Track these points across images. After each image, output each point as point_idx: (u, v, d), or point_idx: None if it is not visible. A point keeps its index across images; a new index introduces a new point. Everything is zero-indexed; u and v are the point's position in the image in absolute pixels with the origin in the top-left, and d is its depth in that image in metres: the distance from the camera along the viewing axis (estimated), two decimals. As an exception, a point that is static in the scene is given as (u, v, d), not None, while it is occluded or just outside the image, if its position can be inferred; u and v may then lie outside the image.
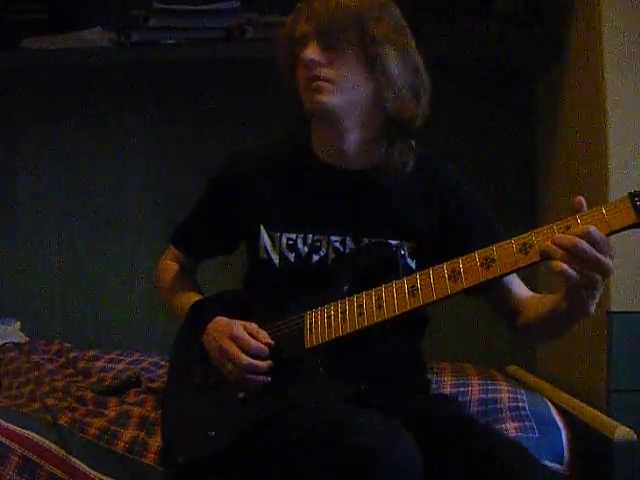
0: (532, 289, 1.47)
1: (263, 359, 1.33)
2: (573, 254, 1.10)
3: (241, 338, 1.34)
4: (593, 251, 1.10)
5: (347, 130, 1.40)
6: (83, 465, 1.47)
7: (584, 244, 1.10)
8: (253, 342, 1.33)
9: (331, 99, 1.36)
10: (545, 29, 2.12)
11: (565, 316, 1.25)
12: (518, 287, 1.44)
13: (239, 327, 1.36)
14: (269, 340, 1.35)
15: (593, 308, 1.19)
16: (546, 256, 1.14)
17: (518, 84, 2.37)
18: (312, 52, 1.35)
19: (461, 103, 2.29)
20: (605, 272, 1.13)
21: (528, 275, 1.44)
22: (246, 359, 1.32)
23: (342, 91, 1.36)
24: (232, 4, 2.18)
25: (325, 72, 1.35)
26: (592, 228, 1.10)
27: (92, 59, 2.23)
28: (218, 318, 1.41)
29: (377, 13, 1.36)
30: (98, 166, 2.52)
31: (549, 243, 1.13)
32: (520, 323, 1.41)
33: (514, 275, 1.39)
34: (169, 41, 2.17)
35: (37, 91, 2.49)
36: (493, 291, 1.41)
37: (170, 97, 2.48)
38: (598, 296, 1.17)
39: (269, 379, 1.33)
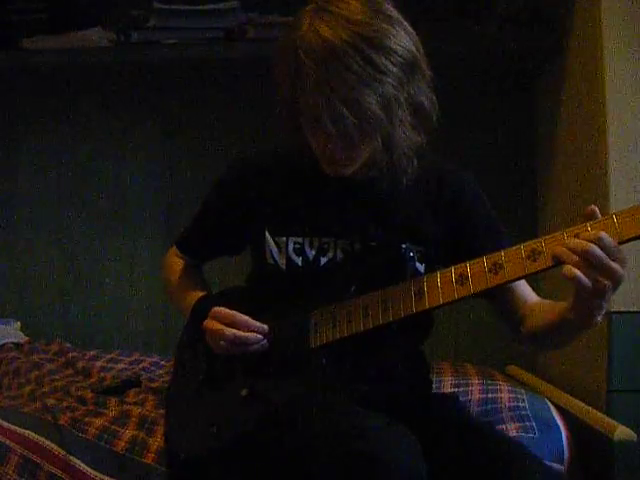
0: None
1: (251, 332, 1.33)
2: (585, 259, 1.07)
3: (220, 313, 1.35)
4: (605, 257, 1.07)
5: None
6: (83, 465, 1.47)
7: (596, 249, 1.07)
8: (231, 314, 1.34)
9: (350, 170, 1.33)
10: (545, 29, 2.12)
11: (571, 325, 1.21)
12: (525, 291, 1.41)
13: (219, 308, 1.37)
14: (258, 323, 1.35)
15: (600, 319, 1.15)
16: (558, 261, 1.11)
17: (518, 84, 2.37)
18: (336, 149, 1.27)
19: (461, 103, 2.29)
20: (616, 279, 1.09)
21: (531, 285, 1.42)
22: (230, 331, 1.33)
23: (359, 162, 1.33)
24: (232, 4, 2.18)
25: (347, 155, 1.30)
26: (602, 234, 1.07)
27: (92, 59, 2.23)
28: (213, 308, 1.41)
29: (407, 77, 1.25)
30: (98, 166, 2.53)
31: (562, 248, 1.10)
32: (525, 328, 1.37)
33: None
34: (169, 41, 2.18)
35: (37, 91, 2.49)
36: (500, 295, 1.39)
37: (170, 97, 2.48)
38: (605, 307, 1.13)
39: (266, 343, 1.33)
